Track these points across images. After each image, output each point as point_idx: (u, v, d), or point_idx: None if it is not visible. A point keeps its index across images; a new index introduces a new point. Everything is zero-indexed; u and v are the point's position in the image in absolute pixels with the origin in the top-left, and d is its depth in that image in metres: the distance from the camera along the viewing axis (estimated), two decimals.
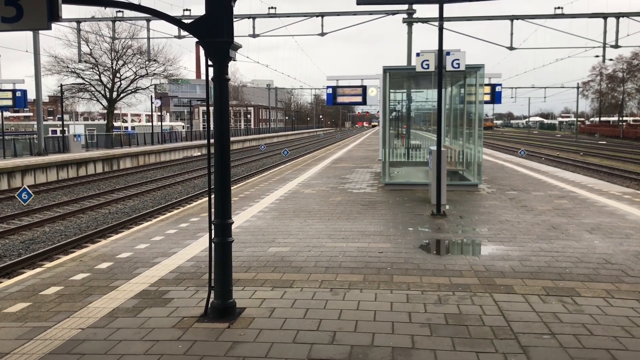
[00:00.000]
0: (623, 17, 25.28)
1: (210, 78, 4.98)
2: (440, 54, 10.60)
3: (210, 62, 4.94)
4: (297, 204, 11.70)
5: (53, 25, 4.83)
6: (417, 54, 11.06)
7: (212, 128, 5.05)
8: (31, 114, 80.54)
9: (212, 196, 5.15)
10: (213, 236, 5.13)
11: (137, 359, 4.20)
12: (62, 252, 11.48)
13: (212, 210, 5.16)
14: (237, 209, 11.07)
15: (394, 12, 26.04)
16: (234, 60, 5.13)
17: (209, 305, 5.11)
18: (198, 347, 4.39)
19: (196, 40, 4.97)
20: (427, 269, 6.57)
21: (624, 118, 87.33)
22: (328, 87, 21.21)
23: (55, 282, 6.24)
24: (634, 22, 25.53)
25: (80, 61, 37.66)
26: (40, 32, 29.06)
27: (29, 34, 32.02)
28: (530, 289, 5.80)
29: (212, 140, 5.07)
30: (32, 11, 4.65)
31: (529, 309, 5.20)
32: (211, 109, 5.08)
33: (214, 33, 4.84)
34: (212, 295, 5.13)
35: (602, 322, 4.86)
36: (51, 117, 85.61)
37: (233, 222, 5.22)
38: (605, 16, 25.49)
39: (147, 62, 44.85)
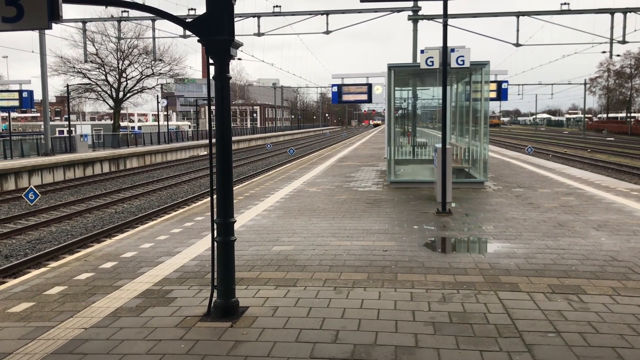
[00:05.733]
0: (630, 12, 25.06)
1: (211, 76, 4.96)
2: (445, 50, 10.54)
3: (211, 60, 4.92)
4: (302, 203, 11.68)
5: (59, 25, 4.90)
6: (422, 51, 11.01)
7: (214, 127, 5.04)
8: (38, 114, 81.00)
9: (215, 195, 5.13)
10: (215, 235, 5.11)
11: (139, 359, 4.19)
12: (68, 251, 11.51)
13: (215, 209, 5.15)
14: (242, 207, 11.07)
15: (399, 10, 25.93)
16: (236, 58, 5.12)
17: (212, 305, 5.10)
18: (200, 347, 4.38)
19: (197, 38, 4.95)
20: (432, 267, 6.53)
21: (632, 114, 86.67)
22: (333, 85, 21.15)
23: (60, 282, 6.25)
24: None
25: (86, 61, 37.83)
26: (45, 32, 29.17)
27: (35, 34, 32.17)
28: (535, 286, 5.75)
29: (214, 140, 5.06)
30: (32, 11, 4.65)
31: (534, 307, 5.15)
32: (213, 108, 5.06)
33: (215, 31, 4.81)
34: (215, 294, 5.12)
35: (608, 320, 4.81)
36: (58, 118, 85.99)
37: (235, 221, 5.21)
38: (612, 11, 25.30)
39: (153, 62, 44.97)
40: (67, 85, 43.02)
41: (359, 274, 6.28)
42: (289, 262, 6.88)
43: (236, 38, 4.93)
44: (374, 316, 4.96)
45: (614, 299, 5.34)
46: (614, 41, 26.35)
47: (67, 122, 46.36)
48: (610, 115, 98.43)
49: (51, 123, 36.72)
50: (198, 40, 4.92)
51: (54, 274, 6.60)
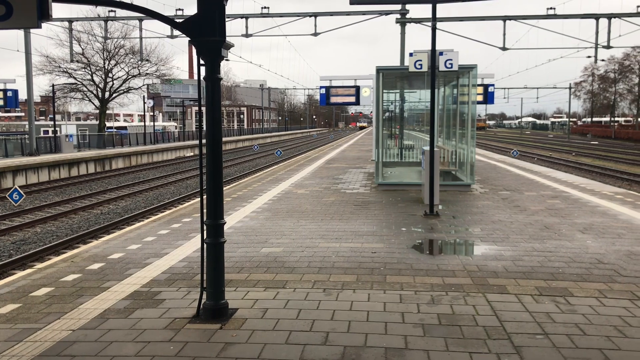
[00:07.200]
0: (615, 17, 25.40)
1: (202, 77, 4.95)
2: (433, 54, 10.60)
3: (202, 61, 4.91)
4: (290, 204, 11.67)
5: (45, 24, 4.79)
6: (410, 54, 11.06)
7: (204, 128, 5.02)
8: (23, 114, 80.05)
9: (205, 197, 5.12)
10: (205, 237, 5.09)
11: None
12: (54, 252, 11.40)
13: (205, 210, 5.13)
14: (229, 209, 11.03)
15: (387, 12, 26.04)
16: (226, 59, 5.11)
17: (201, 306, 5.08)
18: (190, 349, 4.36)
19: (188, 39, 4.93)
20: (420, 269, 6.56)
21: (616, 118, 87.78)
22: (321, 87, 21.12)
23: (46, 283, 6.18)
24: (625, 22, 25.67)
25: (72, 61, 37.45)
26: (31, 31, 28.90)
27: (20, 33, 31.87)
28: (523, 289, 5.80)
29: (204, 141, 5.04)
30: (22, 9, 4.60)
31: (522, 309, 5.19)
32: (203, 108, 5.05)
33: (206, 32, 4.80)
34: (204, 296, 5.09)
35: (595, 322, 4.86)
36: (43, 117, 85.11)
37: (225, 223, 5.19)
38: (597, 17, 25.60)
39: (139, 62, 44.66)
40: (53, 85, 42.63)
41: (348, 276, 6.29)
42: (278, 263, 6.87)
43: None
44: (363, 318, 4.97)
45: (600, 301, 5.40)
46: (598, 46, 26.67)
47: (52, 122, 45.92)
48: (595, 119, 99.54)
49: (36, 123, 36.39)
50: (189, 41, 4.90)
51: (40, 275, 6.54)
